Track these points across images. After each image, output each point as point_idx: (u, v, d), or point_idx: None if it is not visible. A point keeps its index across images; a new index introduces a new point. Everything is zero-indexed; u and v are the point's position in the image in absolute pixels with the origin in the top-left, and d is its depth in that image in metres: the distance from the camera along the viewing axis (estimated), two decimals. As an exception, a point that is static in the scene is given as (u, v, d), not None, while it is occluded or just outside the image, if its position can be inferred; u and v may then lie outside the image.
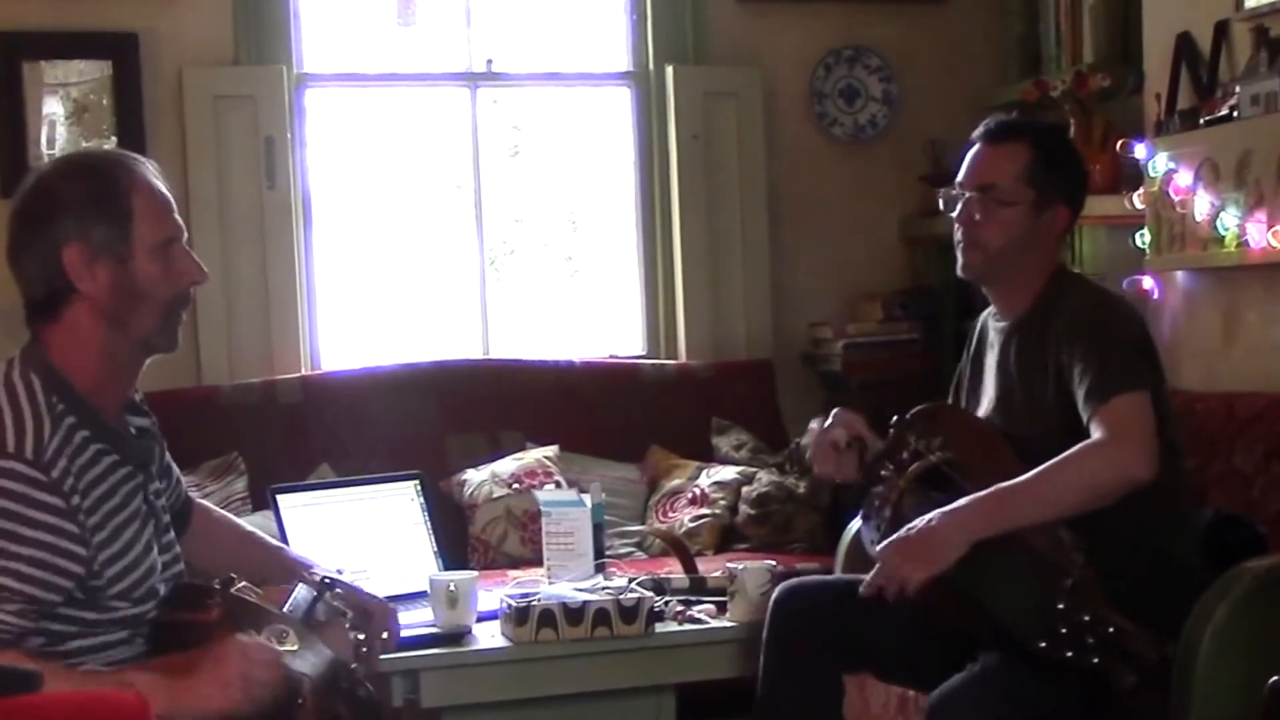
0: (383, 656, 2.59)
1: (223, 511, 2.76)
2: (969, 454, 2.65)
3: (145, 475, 2.25)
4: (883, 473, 2.75)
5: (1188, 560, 2.62)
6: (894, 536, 2.56)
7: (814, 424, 2.89)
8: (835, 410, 2.88)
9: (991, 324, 2.84)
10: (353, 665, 2.32)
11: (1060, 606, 2.30)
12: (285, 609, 2.32)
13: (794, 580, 2.91)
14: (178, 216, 2.24)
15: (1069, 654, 2.29)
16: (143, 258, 2.18)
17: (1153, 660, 2.32)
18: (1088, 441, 2.50)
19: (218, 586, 2.23)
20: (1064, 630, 2.29)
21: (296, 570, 2.51)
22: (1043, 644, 2.31)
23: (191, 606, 2.20)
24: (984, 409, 2.82)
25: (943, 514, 2.52)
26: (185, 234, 2.26)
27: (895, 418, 2.78)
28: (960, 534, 2.49)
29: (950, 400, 2.95)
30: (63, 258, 2.14)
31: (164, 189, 2.23)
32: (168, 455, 2.42)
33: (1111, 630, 2.28)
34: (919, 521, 2.54)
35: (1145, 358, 2.62)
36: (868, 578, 2.59)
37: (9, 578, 2.02)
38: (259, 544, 2.64)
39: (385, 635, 2.50)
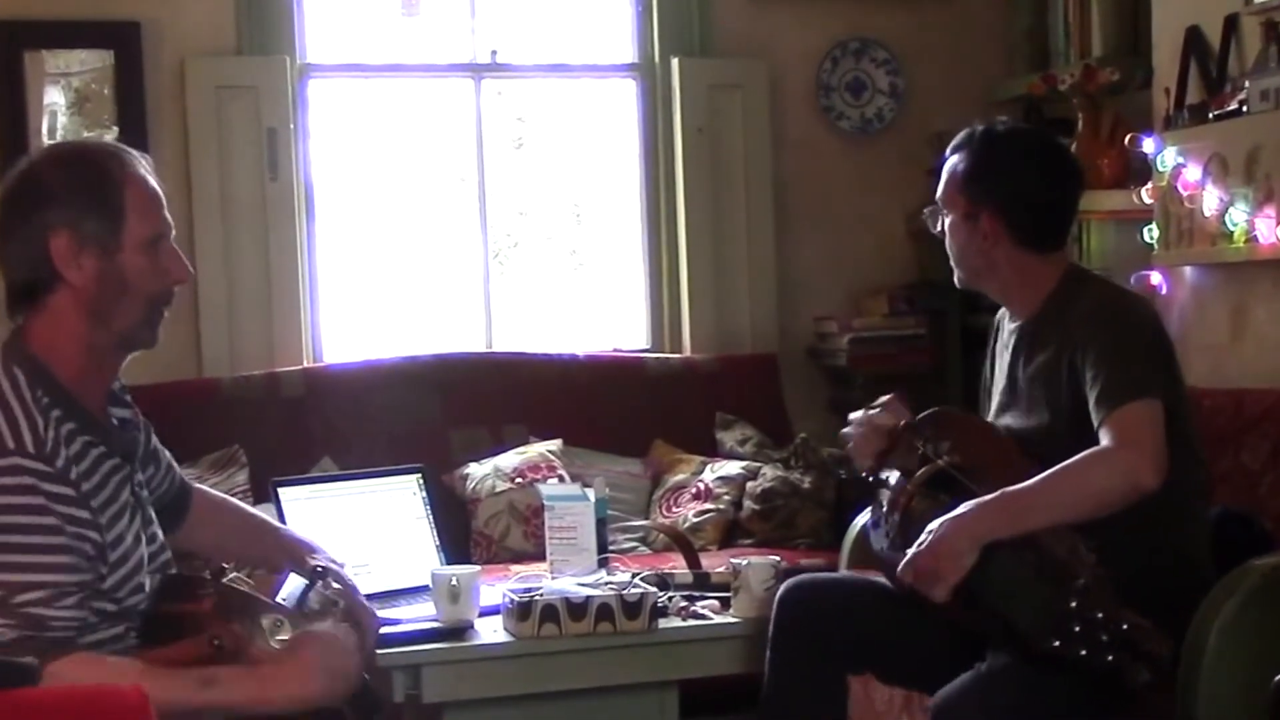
0: (381, 651, 2.58)
1: (223, 495, 2.75)
2: (978, 458, 2.63)
3: (131, 466, 2.24)
4: (890, 479, 2.74)
5: (1199, 559, 2.61)
6: (908, 555, 2.53)
7: (857, 414, 2.86)
8: (888, 397, 2.86)
9: (1005, 324, 2.83)
10: None
11: (1073, 605, 2.28)
12: (278, 598, 2.31)
13: (800, 576, 2.89)
14: (168, 214, 2.23)
15: (1083, 652, 2.27)
16: (131, 251, 2.16)
17: (1167, 658, 2.31)
18: (1096, 448, 2.49)
19: (209, 577, 2.22)
20: (1077, 629, 2.27)
21: (300, 553, 2.51)
22: (1056, 643, 2.29)
23: (183, 597, 2.19)
24: (995, 409, 2.81)
25: (949, 520, 2.50)
26: (174, 231, 2.25)
27: (903, 422, 2.76)
28: (968, 539, 2.47)
29: (982, 403, 2.92)
30: (50, 246, 2.13)
31: (156, 185, 2.22)
32: (155, 441, 2.41)
33: (1126, 628, 2.26)
34: (926, 534, 2.51)
35: (1159, 361, 2.60)
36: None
37: (58, 573, 2.02)
38: (261, 527, 2.63)
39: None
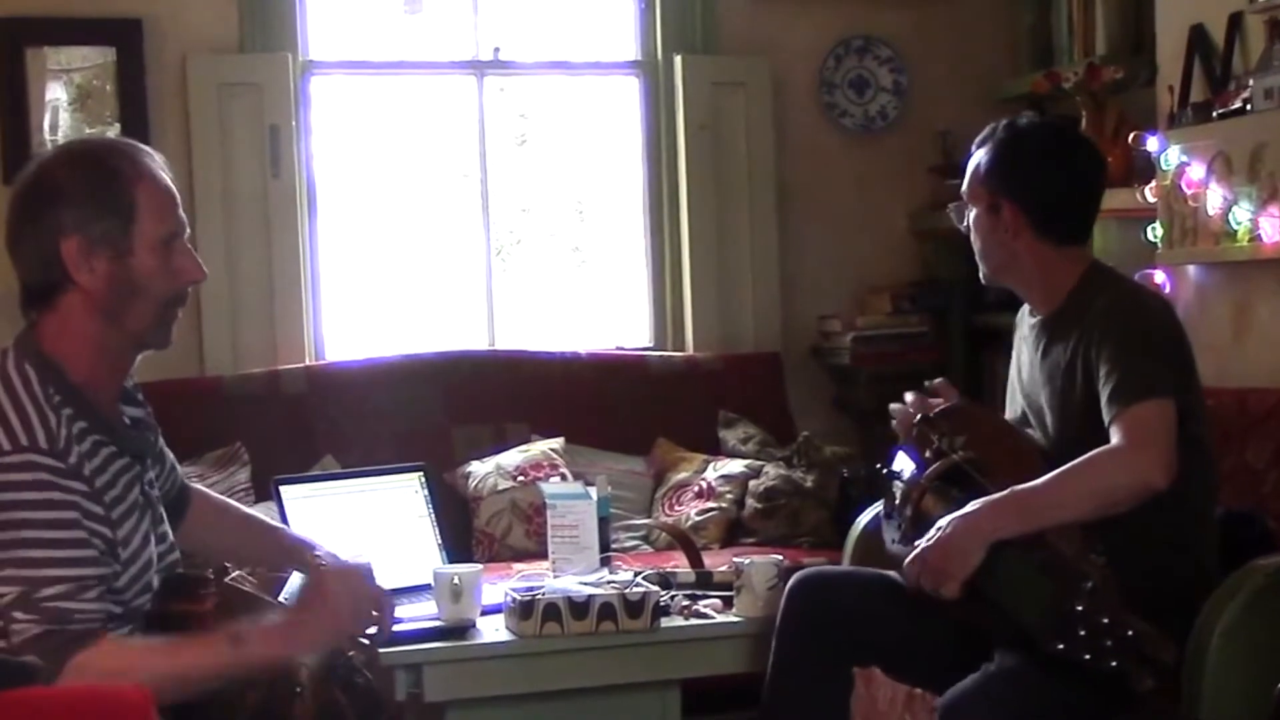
0: (383, 650, 2.58)
1: (222, 497, 2.75)
2: (992, 454, 2.62)
3: (141, 465, 2.24)
4: (904, 472, 2.73)
5: (1207, 562, 2.60)
6: (914, 551, 2.53)
7: (909, 395, 2.84)
8: (938, 380, 2.85)
9: (1027, 319, 2.83)
10: (350, 653, 2.30)
11: (1079, 609, 2.28)
12: (281, 598, 2.31)
13: (811, 569, 2.90)
14: (181, 212, 2.21)
15: (1086, 656, 2.27)
16: (143, 253, 2.15)
17: (1171, 664, 2.30)
18: (1105, 447, 2.48)
19: (211, 576, 2.22)
20: (1082, 633, 2.27)
21: (299, 553, 2.50)
22: (1060, 646, 2.29)
23: (186, 597, 2.19)
24: (1015, 406, 2.80)
25: (958, 518, 2.50)
26: (188, 230, 2.23)
27: (919, 416, 2.76)
28: (976, 538, 2.47)
29: (1008, 399, 2.92)
30: (61, 249, 2.12)
31: (169, 182, 2.20)
32: (162, 442, 2.40)
33: (1130, 633, 2.26)
34: (935, 531, 2.51)
35: (1174, 361, 2.59)
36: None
37: (79, 567, 2.02)
38: (260, 528, 2.63)
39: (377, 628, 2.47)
